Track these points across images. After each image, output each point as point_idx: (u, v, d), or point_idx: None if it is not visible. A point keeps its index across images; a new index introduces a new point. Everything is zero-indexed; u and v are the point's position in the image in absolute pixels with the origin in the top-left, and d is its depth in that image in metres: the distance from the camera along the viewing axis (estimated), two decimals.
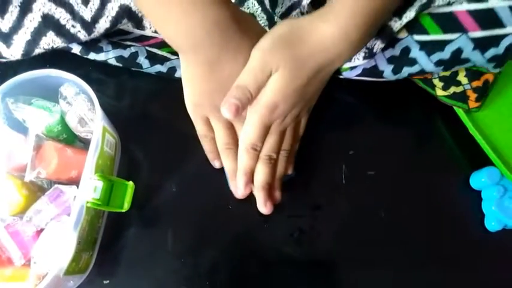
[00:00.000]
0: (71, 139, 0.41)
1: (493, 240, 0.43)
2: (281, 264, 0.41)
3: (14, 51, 0.41)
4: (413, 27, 0.38)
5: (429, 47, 0.38)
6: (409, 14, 0.36)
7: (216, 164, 0.43)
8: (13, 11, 0.40)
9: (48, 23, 0.40)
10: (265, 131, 0.38)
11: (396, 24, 0.37)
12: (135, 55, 0.45)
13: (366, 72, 0.42)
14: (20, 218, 0.36)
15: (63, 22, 0.40)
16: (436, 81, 0.44)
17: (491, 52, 0.37)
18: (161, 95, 0.46)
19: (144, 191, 0.42)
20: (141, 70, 0.45)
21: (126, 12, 0.40)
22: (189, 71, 0.38)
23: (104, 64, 0.45)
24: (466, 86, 0.43)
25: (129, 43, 0.45)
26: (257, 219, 0.41)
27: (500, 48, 0.37)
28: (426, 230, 0.43)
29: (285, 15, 0.43)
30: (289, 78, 0.36)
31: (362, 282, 0.41)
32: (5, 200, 0.36)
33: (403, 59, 0.40)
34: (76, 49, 0.44)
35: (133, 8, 0.40)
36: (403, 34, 0.38)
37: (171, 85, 0.43)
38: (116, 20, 0.40)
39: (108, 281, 0.40)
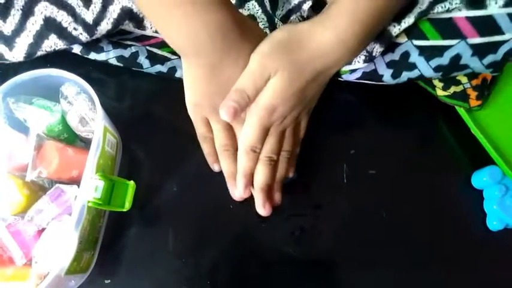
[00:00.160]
0: (71, 139, 0.41)
1: (495, 239, 0.43)
2: (282, 263, 0.41)
3: (16, 54, 0.41)
4: (412, 32, 0.38)
5: (428, 52, 0.38)
6: (408, 20, 0.36)
7: (216, 168, 0.43)
8: (15, 14, 0.40)
9: (50, 26, 0.40)
10: (265, 132, 0.39)
11: (395, 29, 0.37)
12: (135, 55, 0.45)
13: (365, 75, 0.42)
14: (21, 218, 0.36)
15: (65, 25, 0.40)
16: (436, 82, 0.44)
17: (490, 58, 0.37)
18: (162, 94, 0.46)
19: (145, 190, 0.42)
20: (142, 70, 0.45)
21: (127, 14, 0.40)
22: (191, 73, 0.39)
23: (105, 64, 0.45)
24: (466, 85, 0.43)
25: (129, 43, 0.45)
26: (258, 219, 0.41)
27: (499, 55, 0.37)
28: (427, 230, 0.43)
29: (285, 18, 0.43)
30: (287, 82, 0.36)
31: (362, 282, 0.41)
32: (6, 199, 0.36)
33: (402, 64, 0.40)
34: (77, 49, 0.44)
35: (135, 10, 0.40)
36: (403, 39, 0.39)
37: (172, 85, 0.43)
38: (117, 22, 0.40)
39: (109, 281, 0.40)
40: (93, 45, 0.44)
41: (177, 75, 0.45)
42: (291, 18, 0.43)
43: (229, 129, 0.42)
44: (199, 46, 0.35)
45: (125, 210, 0.37)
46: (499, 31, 0.35)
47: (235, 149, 0.41)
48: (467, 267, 0.42)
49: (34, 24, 0.40)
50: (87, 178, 0.35)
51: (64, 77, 0.39)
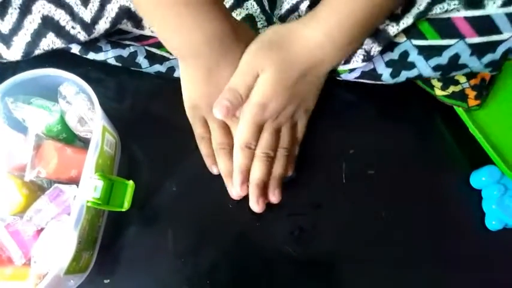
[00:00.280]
0: (70, 138, 0.41)
1: (494, 239, 0.43)
2: (281, 263, 0.41)
3: (14, 53, 0.41)
4: (411, 32, 0.38)
5: (427, 52, 0.38)
6: (407, 21, 0.37)
7: (214, 170, 0.43)
8: (13, 13, 0.40)
9: (48, 24, 0.40)
10: (258, 129, 0.39)
11: (393, 30, 0.38)
12: (134, 55, 0.45)
13: (364, 75, 0.42)
14: (20, 218, 0.36)
15: (62, 23, 0.40)
16: (434, 82, 0.44)
17: (489, 57, 0.38)
18: (161, 94, 0.46)
19: (144, 190, 0.42)
20: (141, 70, 0.45)
21: (125, 13, 0.40)
22: (188, 74, 0.39)
23: (104, 64, 0.45)
24: (465, 85, 0.43)
25: (128, 42, 0.45)
26: (257, 218, 0.41)
27: (497, 54, 0.37)
28: (426, 229, 0.43)
29: (283, 18, 0.43)
30: (275, 79, 0.37)
31: (362, 281, 0.41)
32: (5, 199, 0.36)
33: (401, 63, 0.40)
34: (75, 49, 0.44)
35: (133, 9, 0.40)
36: (402, 38, 0.39)
37: (171, 84, 0.43)
38: (115, 21, 0.40)
39: (108, 280, 0.40)
40: (92, 45, 0.44)
41: (176, 74, 0.45)
42: (289, 17, 0.43)
43: (226, 128, 0.42)
44: (196, 48, 0.36)
45: (124, 210, 0.37)
46: (497, 30, 0.36)
47: (232, 148, 0.41)
48: (466, 267, 0.42)
49: (32, 22, 0.40)
50: (86, 178, 0.35)
51: (63, 77, 0.39)
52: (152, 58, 0.45)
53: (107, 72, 0.46)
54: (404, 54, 0.40)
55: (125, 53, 0.44)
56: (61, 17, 0.40)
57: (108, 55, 0.44)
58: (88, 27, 0.40)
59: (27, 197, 0.36)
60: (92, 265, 0.40)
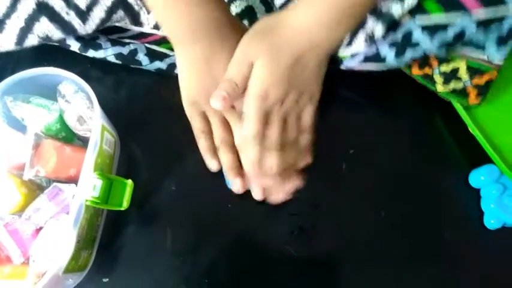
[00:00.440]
0: (69, 137, 0.41)
1: (492, 238, 0.43)
2: (281, 262, 0.41)
3: (6, 38, 0.41)
4: (414, 10, 0.38)
5: (432, 29, 0.38)
6: (412, 2, 0.37)
7: (214, 164, 0.42)
8: None
9: (42, 9, 0.40)
10: (264, 120, 0.39)
11: (398, 10, 0.37)
12: (134, 52, 0.44)
13: (367, 59, 0.41)
14: (19, 216, 0.36)
15: (57, 9, 0.41)
16: (436, 77, 0.43)
17: (495, 34, 0.38)
18: (160, 93, 0.46)
19: (143, 189, 0.42)
20: (141, 67, 0.45)
21: (121, 2, 0.40)
22: (186, 68, 0.39)
23: (103, 62, 0.45)
24: (467, 83, 0.42)
25: (128, 41, 0.45)
26: (257, 217, 0.41)
27: (504, 29, 0.37)
28: (425, 229, 0.43)
29: (283, 8, 0.43)
30: (269, 65, 0.37)
31: (362, 281, 0.41)
32: (4, 198, 0.36)
33: (405, 42, 0.40)
34: (75, 46, 0.43)
35: (129, 0, 0.41)
36: (405, 18, 0.39)
37: (171, 83, 0.43)
38: (111, 10, 0.41)
39: (107, 279, 0.40)
40: (91, 42, 0.44)
41: (177, 71, 0.45)
42: (288, 6, 0.43)
43: (226, 122, 0.42)
44: (193, 31, 0.37)
45: (123, 209, 0.37)
46: (501, 1, 0.36)
47: (233, 142, 0.41)
48: (464, 266, 0.42)
49: (26, 7, 0.40)
50: (85, 177, 0.35)
51: (62, 76, 0.39)
52: (153, 55, 0.45)
53: (106, 70, 0.46)
54: (408, 34, 0.39)
55: (124, 50, 0.44)
56: (56, 2, 0.40)
57: (107, 52, 0.44)
58: (83, 14, 0.41)
59: (26, 196, 0.36)
60: (90, 264, 0.40)
